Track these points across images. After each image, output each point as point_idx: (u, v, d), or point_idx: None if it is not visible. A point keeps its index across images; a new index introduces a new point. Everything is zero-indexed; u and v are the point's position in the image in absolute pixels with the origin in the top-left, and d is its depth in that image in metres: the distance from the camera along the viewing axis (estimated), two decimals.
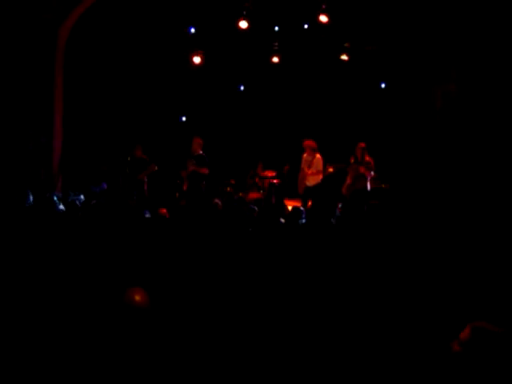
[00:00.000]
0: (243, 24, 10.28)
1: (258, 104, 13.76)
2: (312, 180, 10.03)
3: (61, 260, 4.85)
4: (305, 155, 10.16)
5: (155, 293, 3.13)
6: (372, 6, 10.51)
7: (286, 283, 4.55)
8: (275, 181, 11.85)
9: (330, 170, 10.28)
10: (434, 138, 9.80)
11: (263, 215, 6.96)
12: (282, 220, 6.61)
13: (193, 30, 11.47)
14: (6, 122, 9.44)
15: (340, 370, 3.28)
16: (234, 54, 12.51)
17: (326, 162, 10.54)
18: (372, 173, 9.50)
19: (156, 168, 10.01)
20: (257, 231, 5.98)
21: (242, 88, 13.81)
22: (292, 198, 11.67)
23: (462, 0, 9.37)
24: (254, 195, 11.74)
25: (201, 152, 9.57)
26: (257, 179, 12.44)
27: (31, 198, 6.89)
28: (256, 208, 7.07)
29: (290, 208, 9.41)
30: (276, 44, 11.96)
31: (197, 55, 11.41)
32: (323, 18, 10.10)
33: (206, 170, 9.42)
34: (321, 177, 10.09)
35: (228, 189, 11.68)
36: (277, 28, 11.78)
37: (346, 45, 11.48)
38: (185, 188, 9.73)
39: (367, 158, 9.44)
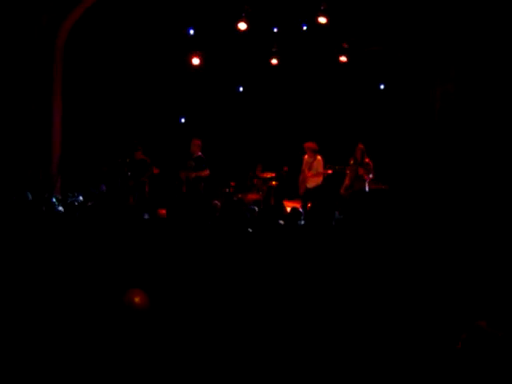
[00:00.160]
0: (242, 25, 10.28)
1: (257, 106, 13.77)
2: (312, 182, 10.05)
3: (60, 261, 4.85)
4: (306, 157, 10.17)
5: (155, 294, 3.13)
6: (371, 7, 10.51)
7: (285, 284, 4.55)
8: (274, 182, 11.85)
9: (329, 171, 10.30)
10: (433, 139, 9.80)
11: (262, 216, 6.95)
12: (281, 221, 6.61)
13: (192, 32, 11.46)
14: (5, 122, 9.43)
15: (340, 369, 3.27)
16: (233, 55, 12.52)
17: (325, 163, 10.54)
18: (371, 175, 9.52)
19: (156, 171, 10.01)
20: (256, 232, 5.98)
21: (240, 89, 13.81)
22: (291, 199, 11.67)
23: (461, 0, 9.38)
24: (252, 196, 11.73)
25: (199, 153, 9.58)
26: (256, 181, 12.44)
27: (30, 199, 6.89)
28: (256, 208, 7.08)
29: (288, 209, 9.41)
30: (275, 45, 11.97)
31: (196, 57, 11.41)
32: (322, 20, 10.11)
33: (207, 172, 9.44)
34: (321, 179, 10.11)
35: (227, 190, 11.69)
36: (276, 29, 11.79)
37: (344, 46, 11.48)
38: (184, 190, 9.73)
39: (367, 160, 9.46)
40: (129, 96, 12.31)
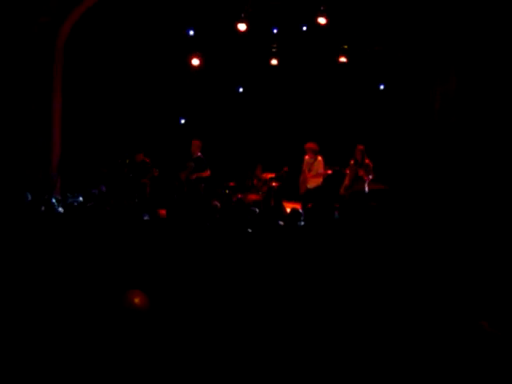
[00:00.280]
0: (242, 26, 10.28)
1: (257, 106, 13.76)
2: (313, 182, 10.06)
3: (59, 262, 4.84)
4: (306, 157, 10.18)
5: (154, 295, 3.12)
6: (370, 8, 10.51)
7: (284, 285, 4.55)
8: (274, 183, 11.84)
9: (329, 171, 10.30)
10: (433, 139, 9.80)
11: (262, 217, 6.95)
12: (281, 222, 6.61)
13: (192, 32, 11.46)
14: (5, 123, 9.43)
15: (340, 369, 3.27)
16: (232, 56, 12.51)
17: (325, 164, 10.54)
18: (370, 176, 9.52)
19: (157, 173, 10.00)
20: (255, 233, 5.98)
21: (240, 90, 13.80)
22: (291, 200, 11.66)
23: (461, 0, 9.38)
24: (252, 197, 11.72)
25: (199, 154, 9.57)
26: (256, 181, 12.42)
27: (29, 199, 6.88)
28: (257, 210, 7.07)
29: (288, 210, 9.41)
30: (275, 46, 11.97)
31: (196, 57, 11.41)
32: (322, 20, 10.11)
33: (207, 173, 9.44)
34: (321, 179, 10.11)
35: (227, 191, 11.67)
36: (275, 30, 11.79)
37: (344, 46, 11.48)
38: (184, 190, 9.72)
39: (367, 161, 9.47)
40: (129, 97, 12.30)
